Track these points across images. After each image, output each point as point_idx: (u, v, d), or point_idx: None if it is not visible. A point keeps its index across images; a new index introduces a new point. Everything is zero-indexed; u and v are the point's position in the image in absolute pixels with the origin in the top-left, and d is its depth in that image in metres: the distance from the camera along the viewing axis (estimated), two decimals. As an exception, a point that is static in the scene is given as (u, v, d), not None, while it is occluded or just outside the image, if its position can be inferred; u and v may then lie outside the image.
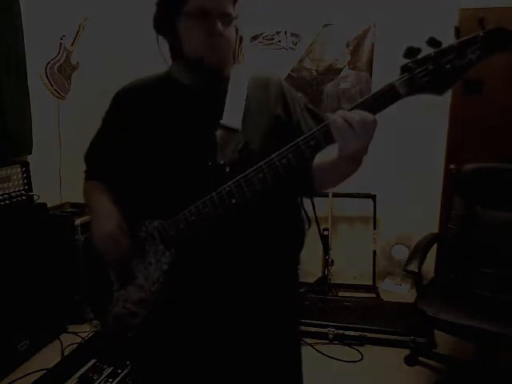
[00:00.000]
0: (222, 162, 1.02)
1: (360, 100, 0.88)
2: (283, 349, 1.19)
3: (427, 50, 0.83)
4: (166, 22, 1.05)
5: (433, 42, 0.82)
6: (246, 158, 1.00)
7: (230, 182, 0.97)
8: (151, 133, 1.09)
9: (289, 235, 1.16)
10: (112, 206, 1.13)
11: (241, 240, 1.06)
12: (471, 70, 0.82)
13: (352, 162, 0.96)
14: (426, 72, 0.83)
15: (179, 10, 1.02)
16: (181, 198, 1.02)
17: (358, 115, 0.85)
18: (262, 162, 0.94)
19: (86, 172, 1.26)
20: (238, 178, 0.96)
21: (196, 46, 1.03)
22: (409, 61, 0.84)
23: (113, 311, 1.15)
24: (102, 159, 1.20)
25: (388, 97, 0.86)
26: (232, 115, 1.06)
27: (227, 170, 1.01)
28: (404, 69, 0.84)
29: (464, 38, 0.81)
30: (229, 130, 1.05)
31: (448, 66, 0.81)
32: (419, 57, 0.83)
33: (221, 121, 1.05)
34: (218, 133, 1.05)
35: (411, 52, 0.84)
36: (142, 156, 1.09)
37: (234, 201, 0.97)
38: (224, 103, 1.08)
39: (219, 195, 0.98)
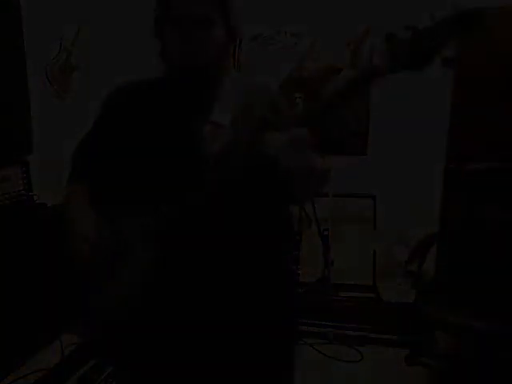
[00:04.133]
0: (206, 159, 1.03)
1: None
2: (275, 348, 1.17)
3: None
4: (156, 27, 1.10)
5: (407, 27, 0.86)
6: (231, 154, 1.02)
7: (208, 180, 1.00)
8: (139, 130, 1.11)
9: (276, 234, 1.16)
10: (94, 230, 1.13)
11: (225, 237, 1.07)
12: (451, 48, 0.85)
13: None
14: (403, 53, 0.85)
15: (165, 17, 1.06)
16: (166, 194, 1.04)
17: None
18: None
19: (71, 171, 1.26)
20: (214, 176, 1.01)
21: (171, 51, 1.06)
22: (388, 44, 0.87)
23: (97, 309, 1.16)
24: (90, 158, 1.22)
25: (370, 75, 0.89)
26: (221, 113, 1.08)
27: (210, 166, 1.03)
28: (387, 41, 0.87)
29: (438, 20, 0.85)
30: (217, 125, 1.07)
31: (424, 45, 0.84)
32: (398, 37, 0.86)
33: (210, 117, 1.08)
34: (207, 128, 1.07)
35: (389, 38, 0.87)
36: (131, 153, 1.11)
37: (212, 198, 1.00)
38: (214, 102, 1.10)
39: (199, 192, 1.01)
